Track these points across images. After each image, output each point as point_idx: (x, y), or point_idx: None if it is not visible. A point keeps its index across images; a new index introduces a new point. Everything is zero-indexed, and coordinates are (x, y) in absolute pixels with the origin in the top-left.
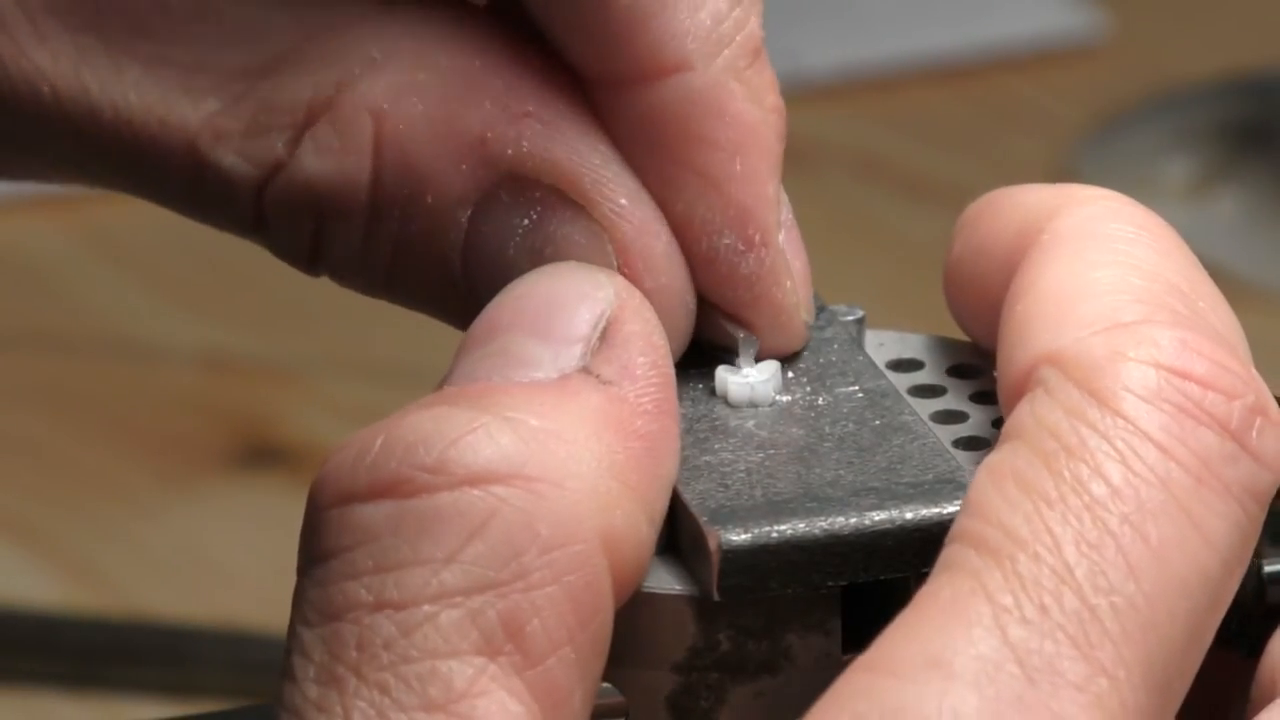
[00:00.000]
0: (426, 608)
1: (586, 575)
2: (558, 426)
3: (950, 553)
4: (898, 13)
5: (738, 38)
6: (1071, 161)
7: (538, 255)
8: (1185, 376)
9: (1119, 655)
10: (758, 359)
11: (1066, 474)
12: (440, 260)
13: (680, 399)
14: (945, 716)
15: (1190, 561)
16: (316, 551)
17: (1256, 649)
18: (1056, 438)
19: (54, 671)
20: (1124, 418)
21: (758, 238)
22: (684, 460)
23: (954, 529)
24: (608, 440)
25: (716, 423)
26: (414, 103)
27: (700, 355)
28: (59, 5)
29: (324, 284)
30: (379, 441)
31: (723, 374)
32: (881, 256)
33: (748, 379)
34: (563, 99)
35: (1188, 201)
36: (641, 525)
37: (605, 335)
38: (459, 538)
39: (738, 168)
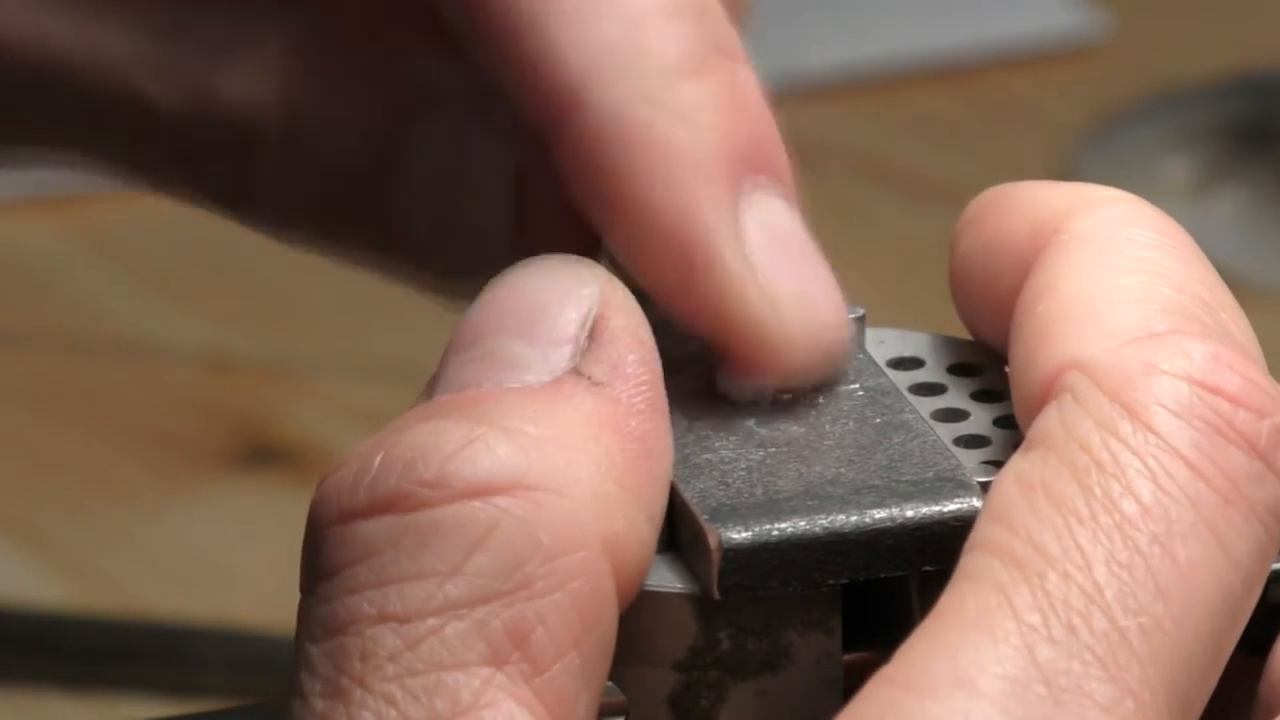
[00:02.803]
0: (431, 620)
1: (590, 581)
2: (554, 433)
3: (975, 562)
4: (898, 13)
5: (643, 63)
6: (1071, 161)
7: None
8: (1217, 392)
9: (1145, 677)
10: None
11: (1098, 490)
12: (362, 188)
13: (681, 397)
14: None
15: (1216, 582)
16: (319, 569)
17: (1258, 648)
18: (1087, 451)
19: (54, 671)
20: (1155, 433)
21: (699, 260)
22: (684, 458)
23: (977, 535)
24: (604, 443)
25: (717, 421)
26: (332, 25)
27: (700, 354)
28: None
29: (324, 284)
30: (378, 459)
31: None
32: (881, 256)
33: None
34: None
35: (1188, 201)
36: (642, 527)
37: (593, 334)
38: (461, 550)
39: (656, 191)
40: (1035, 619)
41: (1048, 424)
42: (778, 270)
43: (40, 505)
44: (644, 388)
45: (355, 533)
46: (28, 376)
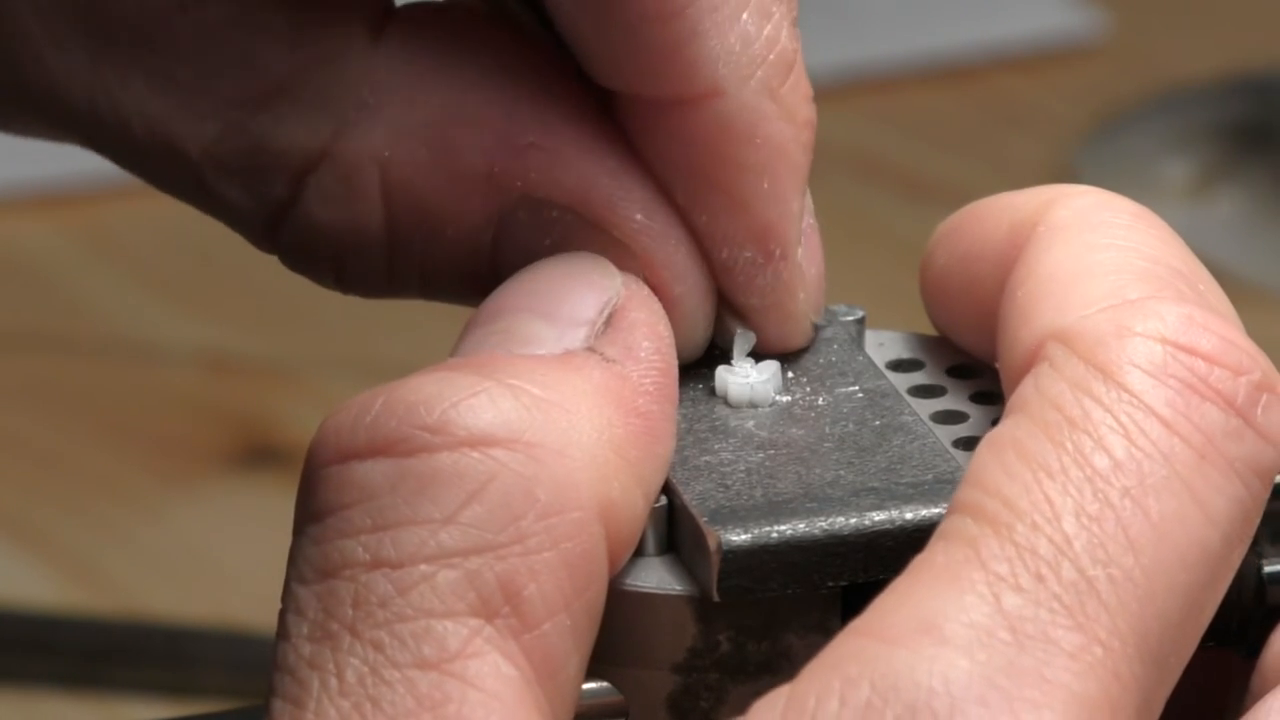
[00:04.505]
0: (424, 567)
1: (583, 543)
2: (560, 397)
3: (948, 523)
4: (898, 13)
5: (770, 57)
6: (1071, 161)
7: None
8: (1191, 352)
9: (1115, 626)
10: (757, 356)
11: (1069, 445)
12: (470, 272)
13: (680, 399)
14: (936, 682)
15: (1191, 536)
16: (313, 509)
17: (1256, 649)
18: (1059, 410)
19: (54, 671)
20: (1129, 391)
21: (777, 252)
22: (684, 460)
23: (953, 501)
24: (608, 414)
25: (716, 423)
26: (415, 146)
27: (700, 356)
28: (73, 9)
29: None
30: (380, 401)
31: (723, 374)
32: (881, 256)
33: (748, 379)
34: (565, 121)
35: (1188, 201)
36: (637, 499)
37: (611, 320)
38: (457, 499)
39: (765, 186)
40: (1002, 568)
41: (1024, 391)
42: (807, 252)
43: (40, 505)
44: (655, 373)
45: (352, 474)
46: (28, 376)
